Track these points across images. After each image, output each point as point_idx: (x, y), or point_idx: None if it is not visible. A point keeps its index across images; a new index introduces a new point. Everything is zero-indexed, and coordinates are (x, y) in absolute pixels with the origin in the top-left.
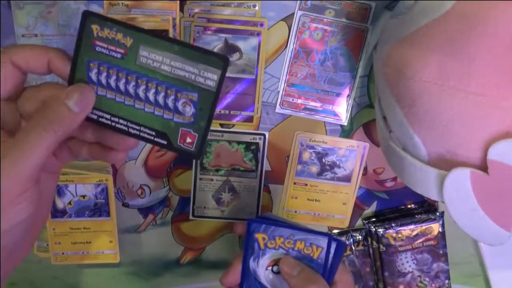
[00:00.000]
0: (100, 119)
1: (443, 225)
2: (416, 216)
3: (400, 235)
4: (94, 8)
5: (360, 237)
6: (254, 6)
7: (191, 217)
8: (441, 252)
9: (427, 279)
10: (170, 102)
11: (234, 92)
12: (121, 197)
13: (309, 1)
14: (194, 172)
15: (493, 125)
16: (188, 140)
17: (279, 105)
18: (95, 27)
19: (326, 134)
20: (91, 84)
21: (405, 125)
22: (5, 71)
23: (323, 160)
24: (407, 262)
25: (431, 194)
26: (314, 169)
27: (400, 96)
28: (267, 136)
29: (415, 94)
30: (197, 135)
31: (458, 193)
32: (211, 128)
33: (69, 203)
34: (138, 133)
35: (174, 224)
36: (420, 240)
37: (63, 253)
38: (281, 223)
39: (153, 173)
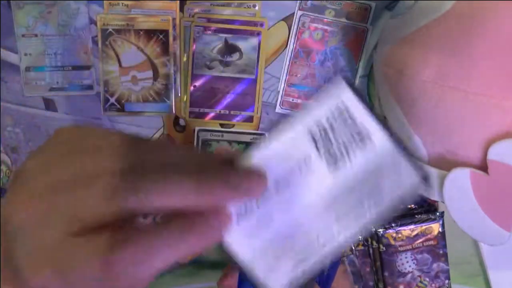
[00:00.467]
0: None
1: (443, 225)
2: (416, 216)
3: (400, 235)
4: (94, 8)
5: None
6: (254, 6)
7: None
8: (441, 252)
9: (427, 279)
10: None
11: (234, 92)
12: None
13: (309, 1)
14: None
15: (493, 125)
16: None
17: (279, 105)
18: None
19: None
20: None
21: (405, 125)
22: None
23: None
24: (407, 262)
25: (431, 194)
26: None
27: (400, 96)
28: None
29: (415, 94)
30: None
31: (458, 193)
32: (211, 128)
33: None
34: None
35: None
36: (420, 240)
37: None
38: None
39: None
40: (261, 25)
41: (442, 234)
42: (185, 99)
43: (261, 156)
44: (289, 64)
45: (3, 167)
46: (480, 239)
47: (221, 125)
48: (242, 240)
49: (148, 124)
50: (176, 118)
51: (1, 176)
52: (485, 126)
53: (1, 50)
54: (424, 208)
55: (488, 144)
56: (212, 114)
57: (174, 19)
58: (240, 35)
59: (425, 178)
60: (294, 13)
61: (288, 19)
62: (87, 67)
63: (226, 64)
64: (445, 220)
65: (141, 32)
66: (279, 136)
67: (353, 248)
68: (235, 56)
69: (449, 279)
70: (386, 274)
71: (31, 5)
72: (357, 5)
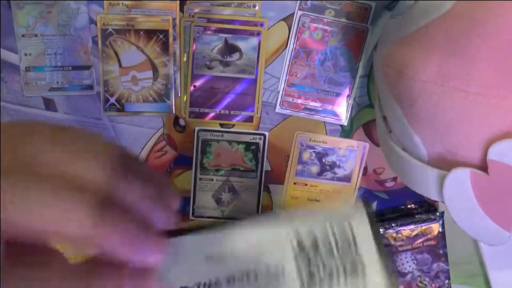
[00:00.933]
0: None
1: (443, 225)
2: (416, 216)
3: (400, 235)
4: (94, 8)
5: None
6: (254, 6)
7: (191, 217)
8: (441, 252)
9: (427, 279)
10: None
11: (234, 92)
12: None
13: (309, 1)
14: (194, 172)
15: (493, 125)
16: None
17: (279, 105)
18: None
19: (326, 134)
20: None
21: (405, 125)
22: None
23: (323, 160)
24: (407, 262)
25: (431, 194)
26: (314, 169)
27: (400, 96)
28: (267, 136)
29: (415, 94)
30: None
31: (458, 193)
32: (211, 128)
33: None
34: None
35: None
36: (420, 240)
37: None
38: None
39: None
40: (261, 25)
41: (442, 234)
42: (185, 99)
43: (231, 243)
44: (289, 64)
45: None
46: (480, 239)
47: (221, 125)
48: None
49: (148, 124)
50: (176, 118)
51: None
52: (485, 126)
53: (1, 50)
54: (424, 208)
55: (488, 144)
56: (212, 114)
57: (174, 19)
58: (240, 35)
59: None
60: (294, 13)
61: (288, 19)
62: (87, 67)
63: (226, 64)
64: (445, 220)
65: (141, 32)
66: (259, 229)
67: None
68: (235, 56)
69: (449, 279)
70: None
71: (31, 5)
72: (357, 5)
